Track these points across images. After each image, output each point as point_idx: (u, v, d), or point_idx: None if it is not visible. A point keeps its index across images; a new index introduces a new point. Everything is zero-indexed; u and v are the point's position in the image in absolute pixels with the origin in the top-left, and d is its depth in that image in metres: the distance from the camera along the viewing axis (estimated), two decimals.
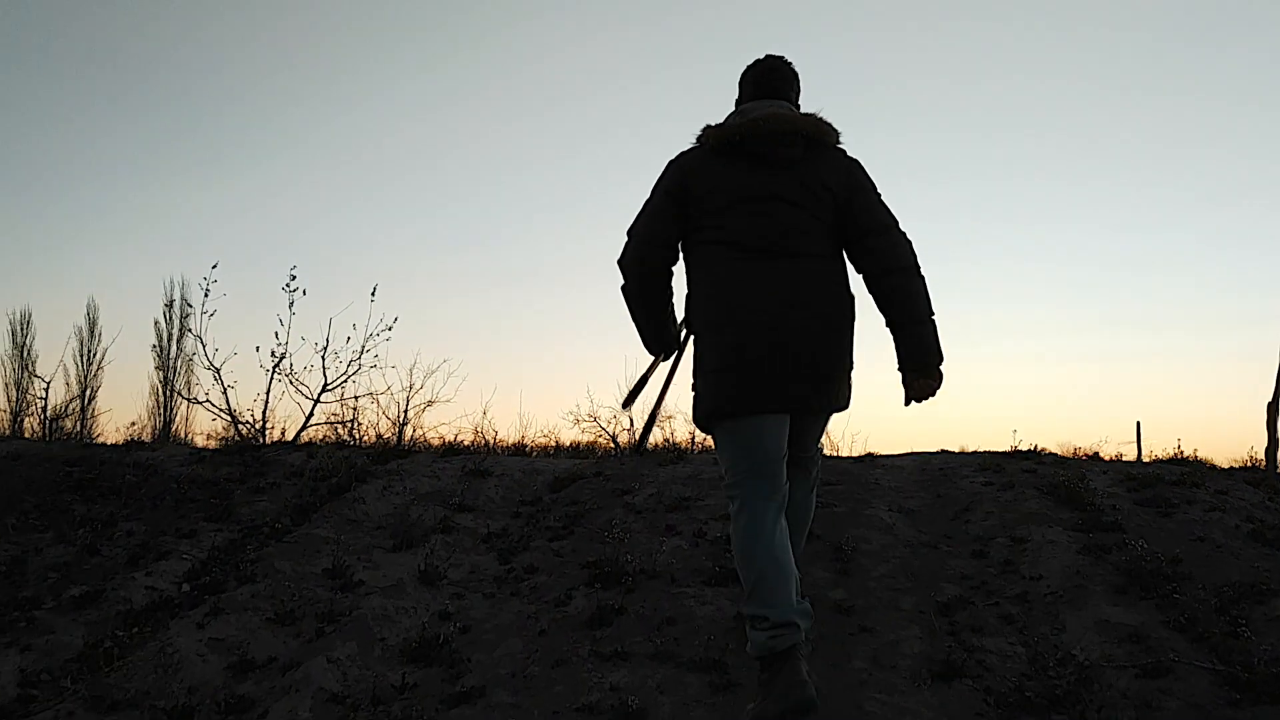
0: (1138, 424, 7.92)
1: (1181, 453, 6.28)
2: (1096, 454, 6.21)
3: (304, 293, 7.07)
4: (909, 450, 5.79)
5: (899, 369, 2.47)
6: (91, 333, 26.77)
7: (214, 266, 7.06)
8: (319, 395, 7.47)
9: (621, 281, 2.57)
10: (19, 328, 29.50)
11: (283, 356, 7.14)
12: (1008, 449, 5.75)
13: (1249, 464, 6.38)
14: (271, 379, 7.24)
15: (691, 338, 2.58)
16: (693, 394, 2.51)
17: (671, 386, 2.74)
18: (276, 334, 7.39)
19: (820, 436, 2.71)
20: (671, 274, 2.58)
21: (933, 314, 2.48)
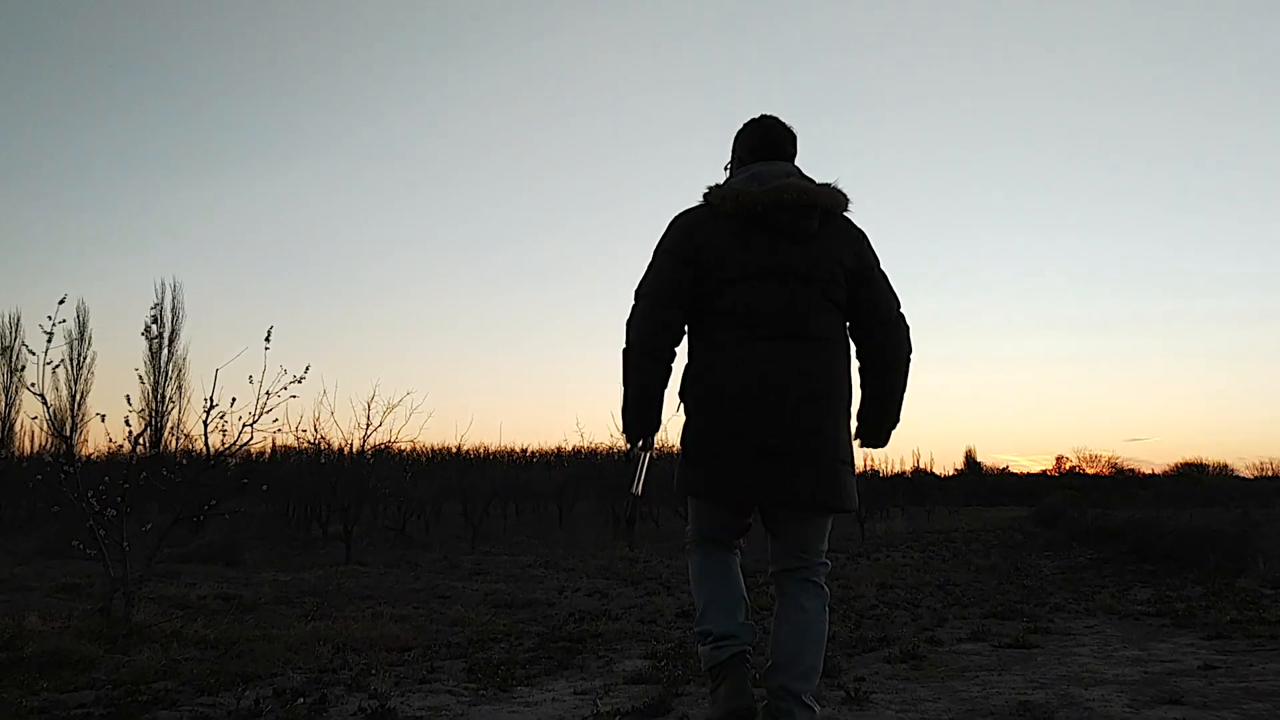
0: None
1: None
2: None
3: (166, 340, 5.83)
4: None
5: (857, 418, 2.53)
6: (81, 336, 25.14)
7: (60, 302, 5.52)
8: (200, 475, 6.05)
9: (624, 344, 2.43)
10: (8, 331, 27.58)
11: (144, 429, 5.63)
12: None
13: None
14: (134, 457, 5.67)
15: (680, 411, 2.55)
16: (677, 465, 2.48)
17: (649, 478, 2.65)
18: (128, 398, 6.13)
19: (822, 540, 2.49)
20: (678, 343, 2.47)
21: (904, 394, 2.55)
